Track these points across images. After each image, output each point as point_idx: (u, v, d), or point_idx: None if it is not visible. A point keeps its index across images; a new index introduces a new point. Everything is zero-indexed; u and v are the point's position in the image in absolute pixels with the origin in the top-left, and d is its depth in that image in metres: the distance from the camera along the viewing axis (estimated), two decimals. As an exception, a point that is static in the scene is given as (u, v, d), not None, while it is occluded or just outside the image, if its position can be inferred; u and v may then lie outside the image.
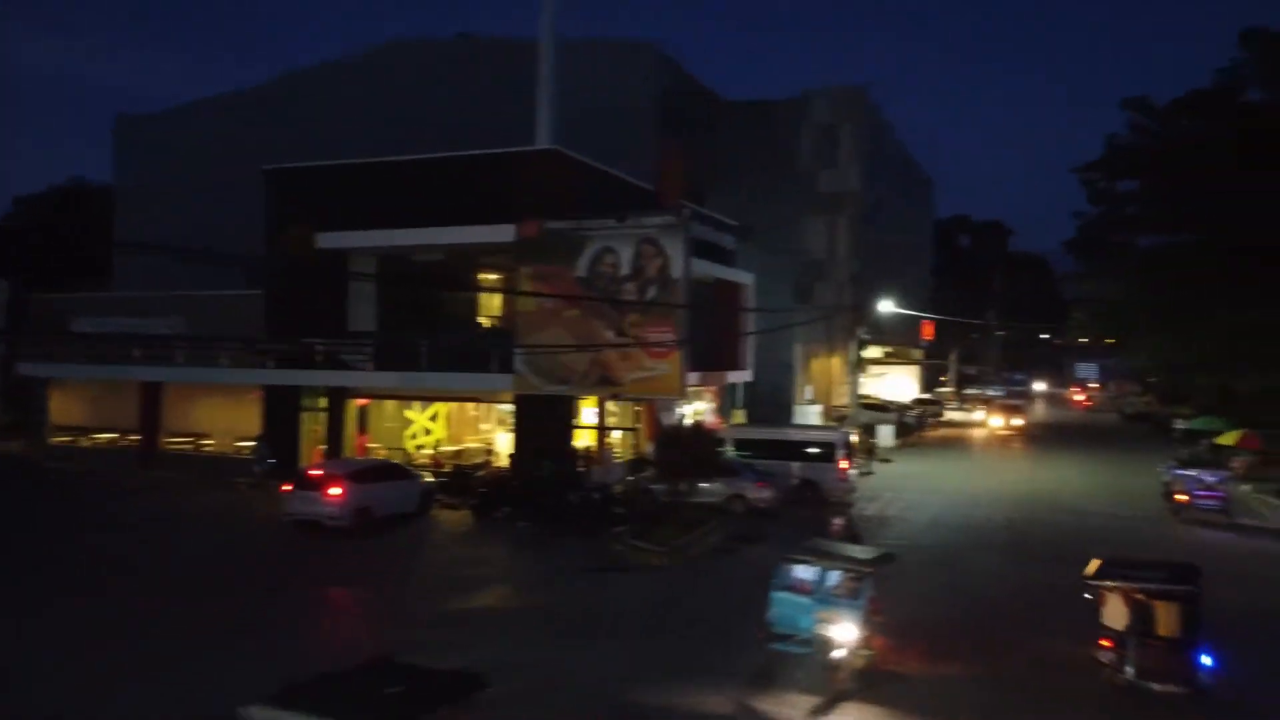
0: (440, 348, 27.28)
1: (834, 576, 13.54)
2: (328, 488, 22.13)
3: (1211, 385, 51.93)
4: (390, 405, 30.51)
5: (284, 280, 29.92)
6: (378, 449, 29.54)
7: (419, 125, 35.29)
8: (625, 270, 25.60)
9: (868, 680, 13.12)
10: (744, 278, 34.42)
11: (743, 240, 36.33)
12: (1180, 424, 48.26)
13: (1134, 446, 45.20)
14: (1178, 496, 27.41)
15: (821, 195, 49.25)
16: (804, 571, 13.77)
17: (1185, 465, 29.20)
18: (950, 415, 61.25)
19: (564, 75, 30.13)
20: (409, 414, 30.79)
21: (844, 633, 13.05)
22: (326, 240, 28.09)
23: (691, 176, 31.96)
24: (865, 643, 13.36)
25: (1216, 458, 34.58)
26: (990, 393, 69.76)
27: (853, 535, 18.08)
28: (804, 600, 13.42)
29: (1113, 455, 42.37)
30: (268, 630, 15.34)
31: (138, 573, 19.10)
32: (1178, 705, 12.45)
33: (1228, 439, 36.77)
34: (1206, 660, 12.35)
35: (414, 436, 30.70)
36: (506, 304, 28.46)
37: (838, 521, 17.71)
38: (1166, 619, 12.76)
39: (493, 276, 29.66)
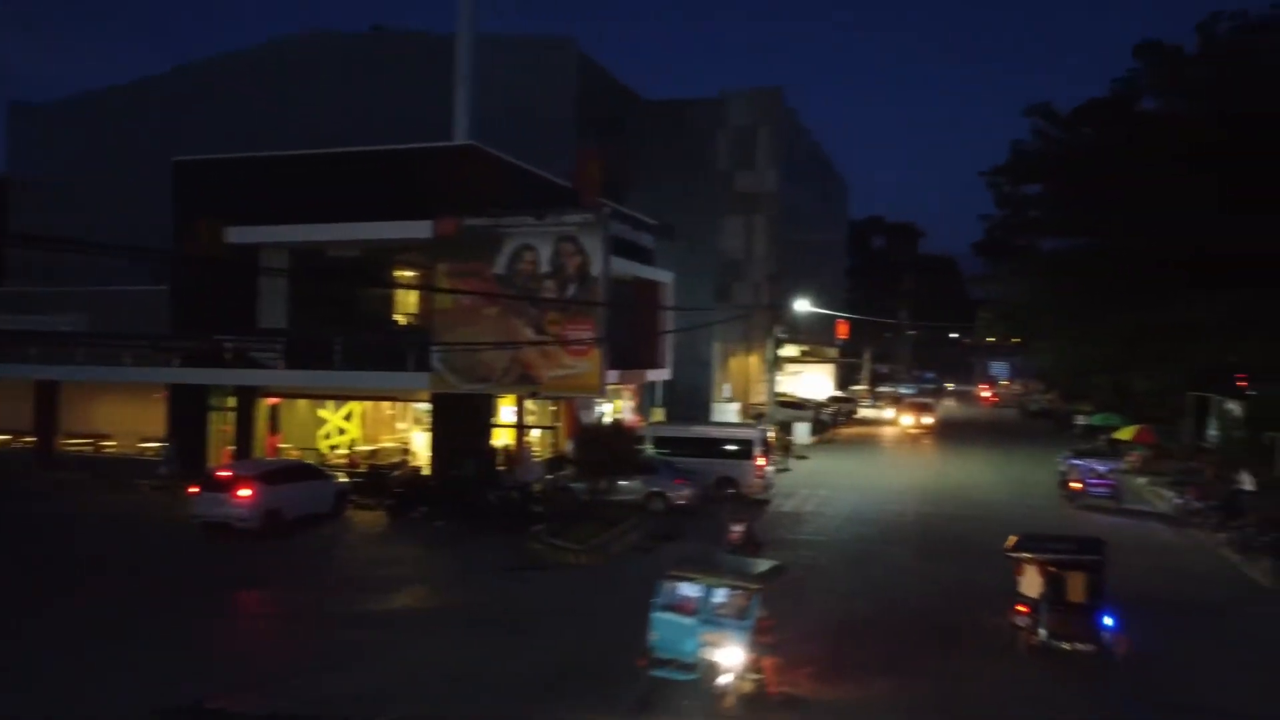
0: (355, 346, 26.80)
1: (720, 594, 12.42)
2: (236, 489, 21.56)
3: (1109, 383, 54.22)
4: (303, 404, 29.84)
5: (191, 276, 28.99)
6: (289, 449, 28.87)
7: (332, 119, 34.63)
8: (544, 268, 25.51)
9: (756, 708, 12.07)
10: (663, 277, 34.63)
11: (662, 239, 36.55)
12: (1080, 420, 50.38)
13: (1036, 442, 46.84)
14: (1072, 485, 29.08)
15: (739, 195, 49.84)
16: (688, 589, 12.61)
17: (1079, 456, 30.98)
18: (864, 413, 62.60)
19: (482, 71, 29.90)
20: (322, 413, 30.16)
21: (730, 657, 12.00)
22: (236, 235, 27.34)
23: (610, 175, 32.00)
24: (754, 666, 12.27)
25: (1114, 451, 36.38)
26: (902, 391, 71.55)
27: (753, 542, 16.68)
28: (687, 621, 12.28)
29: (1017, 450, 43.85)
30: (162, 636, 14.85)
31: (34, 574, 18.33)
32: (1084, 661, 13.90)
33: (1125, 434, 38.54)
34: (1108, 621, 13.95)
35: (328, 436, 30.08)
36: (423, 302, 28.09)
37: (737, 528, 16.22)
38: (1075, 586, 14.24)
39: (409, 274, 29.24)
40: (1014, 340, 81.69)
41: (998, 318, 67.23)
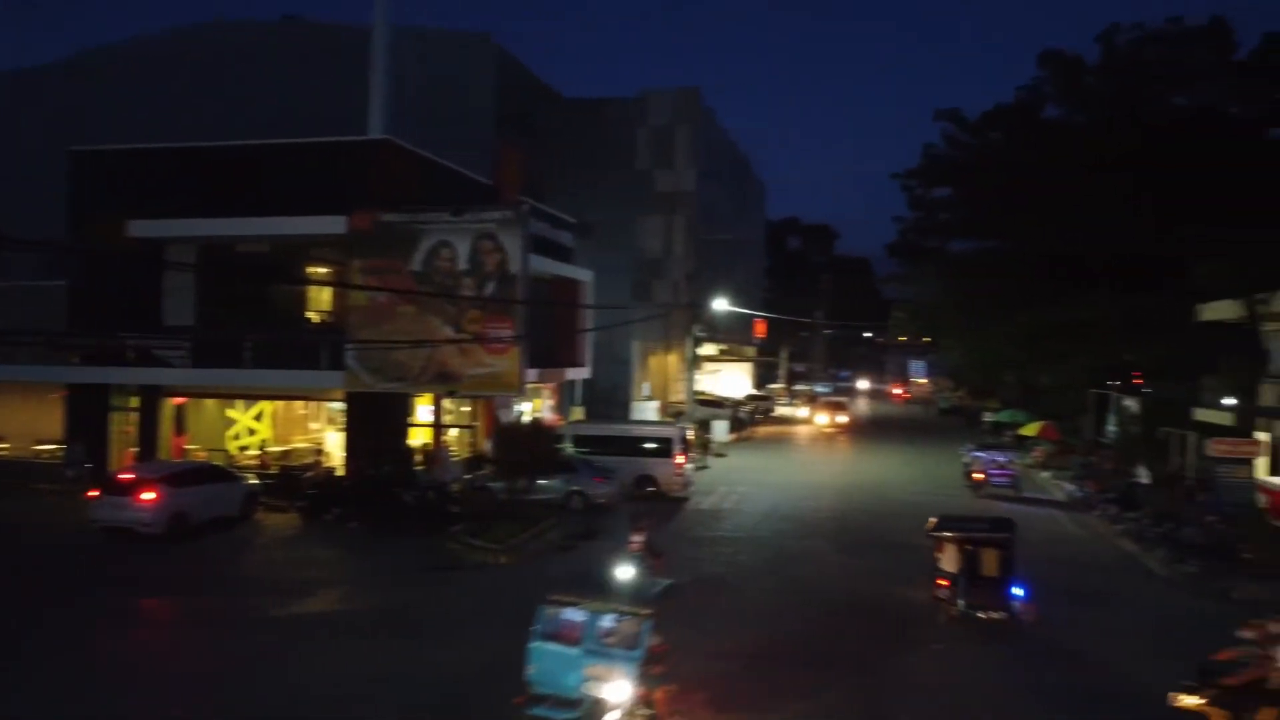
0: (266, 344, 26.10)
1: (606, 621, 11.05)
2: (139, 492, 20.79)
3: (1015, 381, 56.09)
4: (211, 404, 28.93)
5: (91, 270, 27.81)
6: (196, 450, 27.93)
7: (242, 110, 33.66)
8: (463, 265, 25.22)
9: None
10: (583, 275, 34.56)
11: (581, 238, 36.48)
12: (988, 417, 52.01)
13: (946, 438, 48.15)
14: (975, 475, 30.62)
15: (658, 195, 50.07)
16: (571, 615, 11.22)
17: (981, 448, 32.69)
18: (781, 411, 63.52)
19: (398, 65, 29.41)
20: (231, 413, 29.28)
21: (617, 691, 10.70)
22: (139, 229, 26.32)
23: (530, 172, 31.84)
24: (644, 701, 10.98)
25: (1017, 445, 37.87)
26: (818, 389, 72.83)
27: (654, 552, 15.42)
28: (570, 652, 10.94)
29: (927, 446, 45.05)
30: (61, 648, 14.25)
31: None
32: (997, 627, 15.57)
33: (1029, 430, 39.98)
34: (1018, 592, 15.72)
35: (237, 437, 29.21)
36: (338, 299, 27.49)
37: (637, 537, 14.96)
38: (988, 562, 15.95)
39: (323, 270, 28.59)
40: (925, 339, 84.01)
41: (909, 317, 69.17)
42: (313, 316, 28.79)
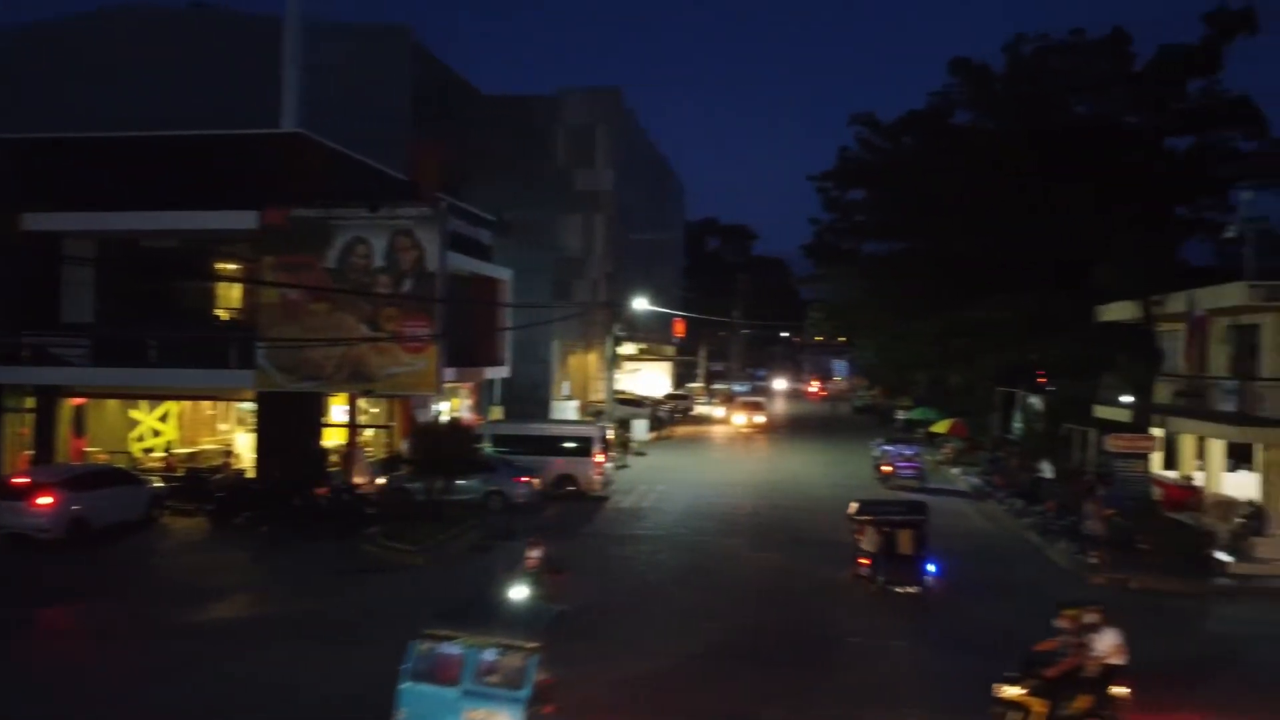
0: (172, 342, 25.22)
1: (488, 656, 9.83)
2: (35, 497, 19.92)
3: (926, 379, 57.54)
4: (113, 405, 27.82)
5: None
6: (97, 453, 26.80)
7: (147, 100, 32.37)
8: (379, 262, 24.76)
9: None
10: (502, 274, 34.28)
11: (500, 236, 36.18)
12: (901, 415, 53.31)
13: (860, 435, 49.11)
14: (884, 468, 32.58)
15: (578, 194, 49.97)
16: (447, 650, 9.89)
17: (890, 443, 34.82)
18: (700, 410, 63.98)
19: (313, 57, 28.68)
20: (135, 414, 28.21)
21: None
22: (35, 221, 25.17)
23: (448, 169, 31.41)
24: None
25: (926, 440, 39.17)
26: (736, 388, 73.53)
27: (554, 569, 14.04)
28: (447, 693, 9.67)
29: (841, 442, 45.98)
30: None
31: None
32: (913, 600, 17.35)
33: (940, 428, 41.12)
34: (931, 569, 17.72)
35: (141, 439, 28.17)
36: (248, 296, 26.74)
37: (533, 553, 13.48)
38: (904, 541, 17.77)
39: (232, 266, 27.75)
40: (841, 339, 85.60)
41: (825, 316, 70.30)
42: (222, 314, 27.95)
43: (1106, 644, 11.00)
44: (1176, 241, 31.36)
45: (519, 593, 12.63)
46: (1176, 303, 25.58)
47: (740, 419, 53.97)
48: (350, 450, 25.90)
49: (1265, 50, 32.49)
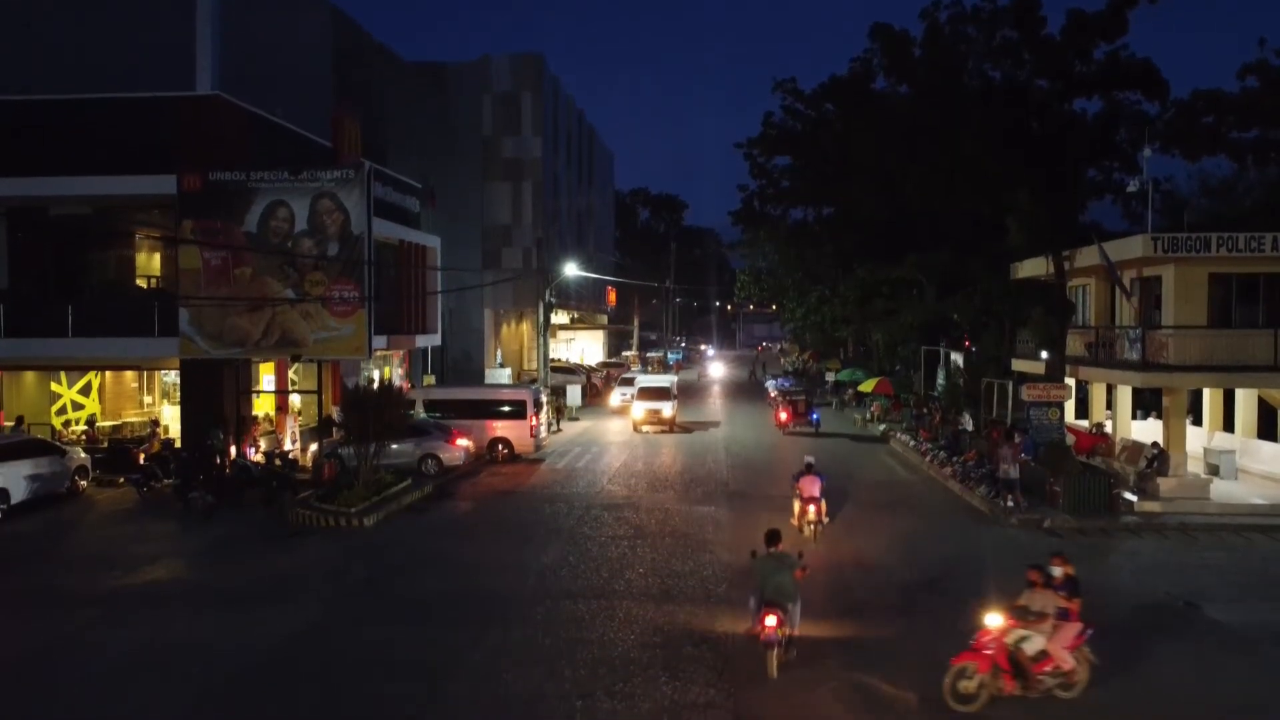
0: (91, 311, 24.63)
1: None
2: (-48, 470, 19.42)
3: (853, 338, 58.70)
4: (30, 377, 27.08)
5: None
6: (13, 427, 26.10)
7: (56, 61, 31.24)
8: (301, 226, 24.48)
9: None
10: (430, 241, 34.01)
11: (426, 203, 35.88)
12: (830, 376, 54.38)
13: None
14: (781, 416, 37.04)
15: (505, 161, 49.74)
16: None
17: (772, 377, 41.19)
18: (632, 377, 64.30)
19: (229, 20, 27.99)
20: (55, 387, 27.51)
21: None
22: (-63, 189, 24.30)
23: (371, 135, 31.03)
24: None
25: (859, 401, 40.49)
26: (632, 372, 71.77)
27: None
28: None
29: (767, 405, 46.71)
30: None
31: None
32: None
33: (866, 387, 42.11)
34: (815, 417, 34.98)
35: (62, 412, 27.49)
36: (168, 264, 26.20)
37: None
38: (799, 406, 35.74)
39: (152, 234, 27.12)
40: (771, 305, 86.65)
41: (753, 281, 71.18)
42: (142, 283, 27.38)
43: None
44: (1084, 201, 32.48)
45: None
46: (1086, 257, 26.65)
47: (639, 413, 36.58)
48: (280, 417, 25.67)
49: (1164, 16, 33.82)
